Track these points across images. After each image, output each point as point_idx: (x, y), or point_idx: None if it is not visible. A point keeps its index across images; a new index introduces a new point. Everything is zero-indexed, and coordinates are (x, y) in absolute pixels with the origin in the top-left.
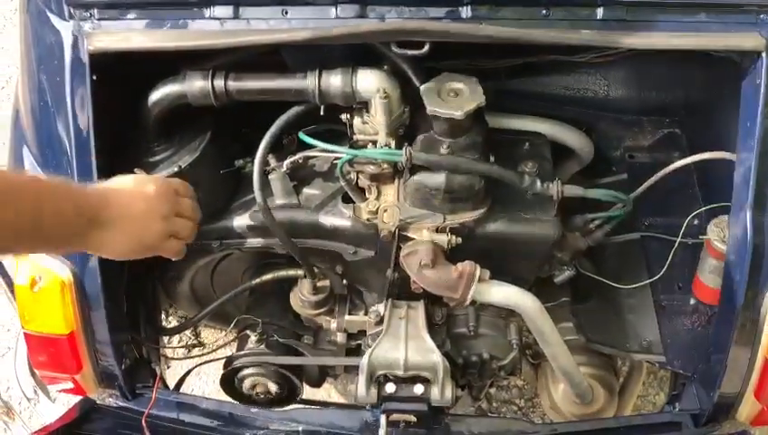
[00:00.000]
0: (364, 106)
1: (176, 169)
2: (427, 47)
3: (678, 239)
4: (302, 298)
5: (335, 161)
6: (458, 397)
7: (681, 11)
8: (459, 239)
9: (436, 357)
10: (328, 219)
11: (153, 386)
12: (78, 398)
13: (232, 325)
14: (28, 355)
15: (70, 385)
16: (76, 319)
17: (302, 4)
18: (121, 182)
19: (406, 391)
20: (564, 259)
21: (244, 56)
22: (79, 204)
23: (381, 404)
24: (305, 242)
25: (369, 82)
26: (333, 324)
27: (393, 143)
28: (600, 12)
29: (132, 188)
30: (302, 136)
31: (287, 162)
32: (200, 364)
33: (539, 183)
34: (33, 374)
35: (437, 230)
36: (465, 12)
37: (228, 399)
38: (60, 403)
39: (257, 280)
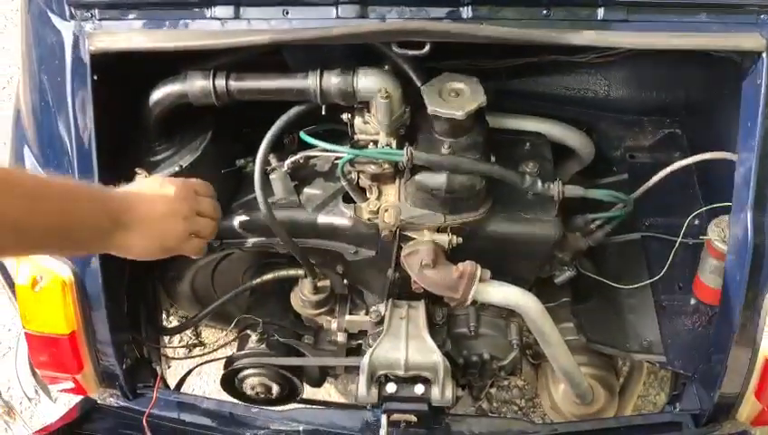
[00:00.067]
0: (365, 106)
1: (177, 169)
2: (427, 47)
3: (679, 239)
4: (302, 298)
5: (336, 161)
6: (459, 397)
7: (681, 11)
8: (460, 239)
9: (437, 357)
10: (329, 219)
11: (154, 386)
12: (79, 398)
13: (232, 325)
14: (29, 355)
15: (71, 385)
16: (77, 319)
17: (302, 4)
18: (142, 185)
19: (406, 390)
20: (565, 259)
21: (244, 56)
22: (103, 207)
23: (382, 404)
24: (306, 242)
25: (370, 81)
26: (334, 324)
27: (394, 143)
28: (600, 12)
29: (153, 190)
30: (303, 136)
31: (288, 162)
32: (201, 364)
33: (540, 183)
34: (34, 374)
35: (438, 230)
36: (466, 12)
37: (229, 399)
38: (61, 403)
39: (258, 280)
